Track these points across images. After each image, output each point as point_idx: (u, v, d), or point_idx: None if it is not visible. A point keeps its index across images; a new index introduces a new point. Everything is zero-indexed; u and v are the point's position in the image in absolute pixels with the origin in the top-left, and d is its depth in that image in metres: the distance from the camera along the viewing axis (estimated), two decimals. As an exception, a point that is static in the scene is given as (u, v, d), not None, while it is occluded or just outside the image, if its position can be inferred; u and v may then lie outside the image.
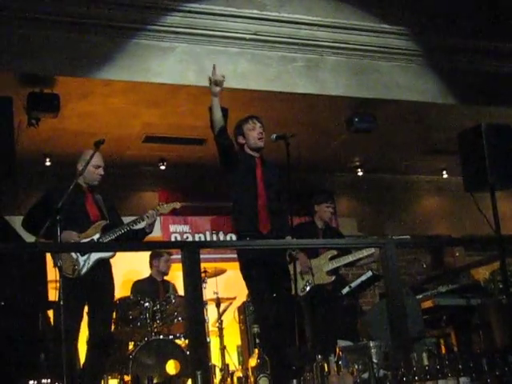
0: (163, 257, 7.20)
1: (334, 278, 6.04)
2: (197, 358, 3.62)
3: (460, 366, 3.49)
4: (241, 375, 3.66)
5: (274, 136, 4.95)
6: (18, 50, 5.78)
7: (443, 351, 5.39)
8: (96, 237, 5.09)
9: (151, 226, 5.26)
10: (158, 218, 5.70)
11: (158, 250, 7.12)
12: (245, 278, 4.86)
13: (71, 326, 4.77)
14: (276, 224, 4.87)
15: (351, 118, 7.19)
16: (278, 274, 4.83)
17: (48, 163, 7.73)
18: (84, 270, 4.97)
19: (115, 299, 5.68)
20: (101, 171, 5.26)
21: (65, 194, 4.78)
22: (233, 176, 4.98)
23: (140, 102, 6.70)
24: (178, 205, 5.49)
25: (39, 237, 4.88)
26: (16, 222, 5.55)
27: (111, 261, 5.20)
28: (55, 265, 4.83)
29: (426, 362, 3.49)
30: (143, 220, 5.21)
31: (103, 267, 5.10)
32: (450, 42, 7.20)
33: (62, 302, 4.62)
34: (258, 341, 3.93)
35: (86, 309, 5.10)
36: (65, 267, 4.84)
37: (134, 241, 5.20)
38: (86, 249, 4.99)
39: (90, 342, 5.15)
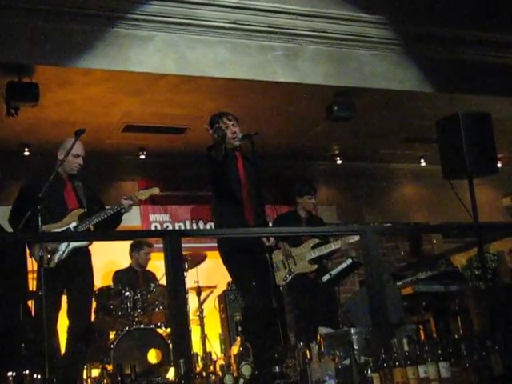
0: (143, 249, 7.18)
1: (316, 266, 6.08)
2: (179, 346, 3.63)
3: (439, 352, 3.53)
4: (223, 363, 3.66)
5: (240, 135, 4.93)
6: (-5, 38, 5.73)
7: (423, 337, 5.45)
8: (73, 225, 5.04)
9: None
10: (138, 207, 5.67)
11: (140, 242, 7.10)
12: (227, 268, 4.87)
13: (49, 315, 4.75)
14: (258, 216, 4.87)
15: (330, 107, 7.20)
16: (260, 262, 4.85)
17: (27, 153, 7.66)
18: (58, 258, 4.92)
19: (96, 289, 5.67)
20: (80, 160, 5.20)
21: (45, 183, 4.74)
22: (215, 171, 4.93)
23: (119, 90, 6.66)
24: (156, 190, 5.42)
25: (17, 229, 4.84)
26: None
27: (91, 250, 5.17)
28: (31, 255, 4.80)
29: (406, 348, 3.53)
30: (120, 210, 5.18)
31: (81, 256, 5.07)
32: (428, 31, 7.25)
33: (40, 292, 4.61)
34: (240, 328, 3.95)
35: (65, 298, 5.08)
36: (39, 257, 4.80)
37: (113, 226, 5.18)
38: (65, 238, 4.93)
39: (69, 331, 5.14)
